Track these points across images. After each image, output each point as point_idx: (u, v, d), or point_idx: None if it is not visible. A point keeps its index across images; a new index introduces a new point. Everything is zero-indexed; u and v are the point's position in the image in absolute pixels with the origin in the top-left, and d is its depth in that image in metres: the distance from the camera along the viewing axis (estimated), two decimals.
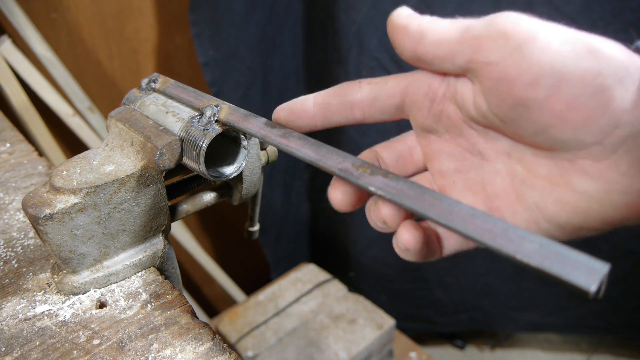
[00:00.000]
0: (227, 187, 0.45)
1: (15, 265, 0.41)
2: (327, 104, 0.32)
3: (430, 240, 0.30)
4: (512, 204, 0.29)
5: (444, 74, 0.29)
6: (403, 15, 0.29)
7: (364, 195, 0.31)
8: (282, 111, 0.32)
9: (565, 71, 0.24)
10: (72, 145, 1.18)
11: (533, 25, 0.25)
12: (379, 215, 0.29)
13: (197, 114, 0.37)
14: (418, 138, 0.34)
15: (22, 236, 0.44)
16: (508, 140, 0.29)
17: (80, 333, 0.35)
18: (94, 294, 0.38)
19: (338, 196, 0.30)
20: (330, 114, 0.32)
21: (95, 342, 0.34)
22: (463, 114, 0.29)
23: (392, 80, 0.31)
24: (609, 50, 0.24)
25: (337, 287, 1.27)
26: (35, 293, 0.38)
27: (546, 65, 0.24)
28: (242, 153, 0.39)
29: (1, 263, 0.41)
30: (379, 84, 0.32)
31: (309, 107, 0.32)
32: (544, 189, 0.27)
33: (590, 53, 0.24)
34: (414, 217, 0.30)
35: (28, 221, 0.44)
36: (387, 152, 0.34)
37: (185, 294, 1.00)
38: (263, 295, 1.27)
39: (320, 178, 1.46)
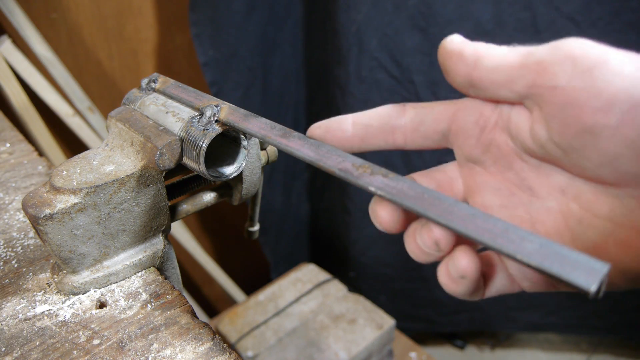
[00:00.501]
0: (227, 187, 0.45)
1: (15, 265, 0.41)
2: (367, 125, 0.30)
3: (482, 272, 0.27)
4: (565, 245, 0.26)
5: (497, 101, 0.28)
6: (456, 41, 0.27)
7: (411, 217, 0.28)
8: (318, 129, 0.31)
9: None
10: (72, 145, 1.18)
11: (602, 49, 0.23)
12: (432, 236, 0.26)
13: (197, 114, 0.37)
14: (461, 169, 0.31)
15: (22, 236, 0.44)
16: (564, 175, 0.26)
17: (80, 333, 0.35)
18: (94, 294, 0.38)
19: (384, 216, 0.28)
20: (370, 136, 0.31)
21: (95, 342, 0.34)
22: (516, 145, 0.28)
23: (439, 105, 0.30)
24: None
25: (337, 287, 1.27)
26: (35, 293, 0.38)
27: (620, 90, 0.22)
28: (242, 153, 0.39)
29: (1, 263, 0.41)
30: (425, 108, 0.30)
31: (346, 127, 0.30)
32: (604, 229, 0.25)
33: None
34: (466, 242, 0.28)
35: (28, 221, 0.44)
36: (425, 180, 0.32)
37: (185, 294, 1.00)
38: (263, 295, 1.27)
39: (320, 178, 1.46)
